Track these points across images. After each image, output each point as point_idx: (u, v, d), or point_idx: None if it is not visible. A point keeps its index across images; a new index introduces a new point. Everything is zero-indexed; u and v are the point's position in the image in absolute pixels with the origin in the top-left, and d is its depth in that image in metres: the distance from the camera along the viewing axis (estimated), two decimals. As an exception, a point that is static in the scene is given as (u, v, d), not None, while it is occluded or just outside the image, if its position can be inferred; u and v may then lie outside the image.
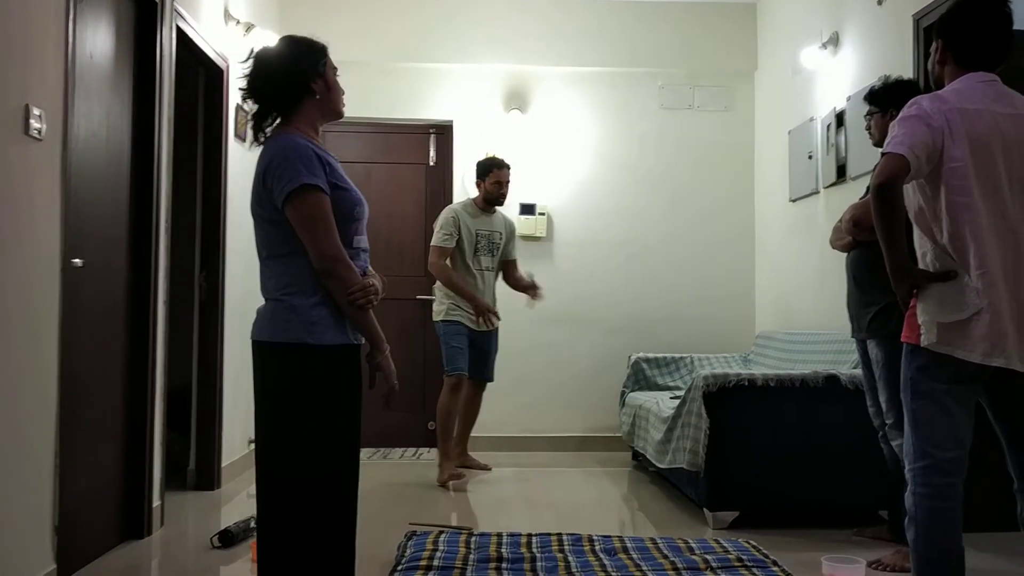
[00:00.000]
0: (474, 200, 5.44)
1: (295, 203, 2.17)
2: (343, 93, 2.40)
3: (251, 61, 2.32)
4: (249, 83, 2.31)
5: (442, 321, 5.22)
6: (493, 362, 5.47)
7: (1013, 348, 2.35)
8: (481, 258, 5.31)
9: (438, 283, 5.27)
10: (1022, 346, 2.36)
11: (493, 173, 5.34)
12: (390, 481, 5.20)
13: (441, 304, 5.25)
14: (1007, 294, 2.37)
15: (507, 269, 5.47)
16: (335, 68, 2.38)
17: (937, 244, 2.44)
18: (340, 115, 2.40)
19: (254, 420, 2.30)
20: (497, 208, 5.42)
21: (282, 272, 2.23)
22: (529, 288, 5.37)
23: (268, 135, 2.31)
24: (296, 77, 2.28)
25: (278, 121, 2.31)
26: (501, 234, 5.42)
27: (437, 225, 5.31)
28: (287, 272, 2.23)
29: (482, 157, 5.58)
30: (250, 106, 2.34)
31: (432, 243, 5.25)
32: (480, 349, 5.31)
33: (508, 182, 5.38)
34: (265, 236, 2.27)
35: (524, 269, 5.53)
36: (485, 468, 5.53)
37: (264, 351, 2.25)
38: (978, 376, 2.43)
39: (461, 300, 5.15)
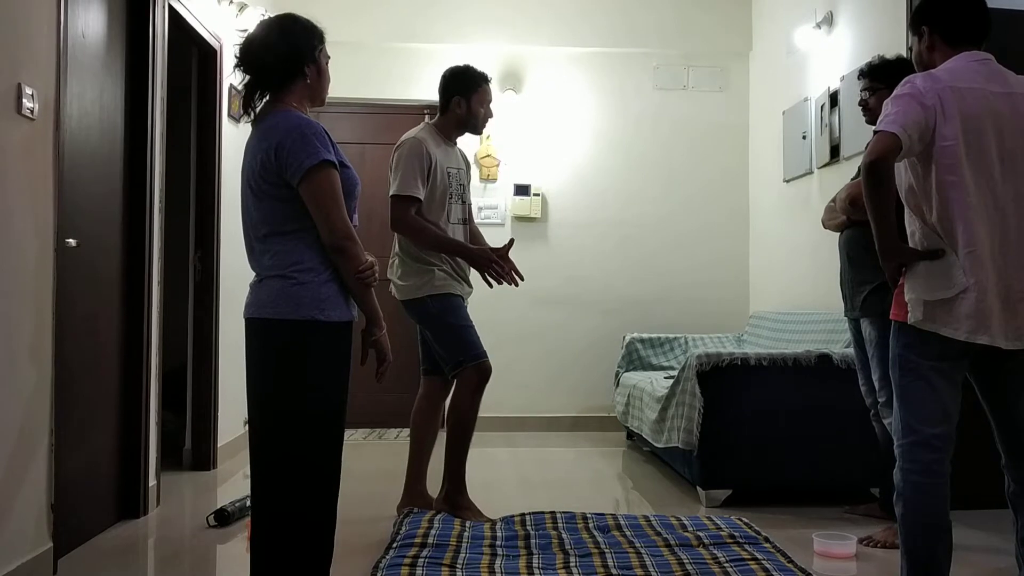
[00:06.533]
0: (437, 126, 3.89)
1: (313, 179, 2.17)
2: (329, 82, 2.41)
3: (252, 30, 2.33)
4: (248, 52, 2.29)
5: (430, 297, 3.69)
6: None
7: (998, 326, 2.37)
8: (454, 208, 3.83)
9: (400, 249, 3.79)
10: (1007, 324, 2.38)
11: (483, 89, 3.88)
12: (385, 461, 5.22)
13: (421, 275, 3.70)
14: (994, 273, 2.38)
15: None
16: (328, 56, 2.39)
17: (926, 223, 2.45)
18: (321, 104, 2.39)
19: (248, 398, 2.30)
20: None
21: (290, 249, 2.22)
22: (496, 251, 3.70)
23: (257, 111, 2.30)
24: (294, 55, 2.28)
25: (267, 98, 2.30)
26: (466, 172, 4.00)
27: (399, 163, 3.69)
28: (296, 249, 2.21)
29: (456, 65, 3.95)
30: (241, 76, 2.31)
31: (394, 191, 3.66)
32: None
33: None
34: (269, 212, 2.23)
35: (503, 238, 3.86)
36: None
37: (268, 328, 2.22)
38: (964, 353, 2.44)
39: (448, 262, 3.74)
